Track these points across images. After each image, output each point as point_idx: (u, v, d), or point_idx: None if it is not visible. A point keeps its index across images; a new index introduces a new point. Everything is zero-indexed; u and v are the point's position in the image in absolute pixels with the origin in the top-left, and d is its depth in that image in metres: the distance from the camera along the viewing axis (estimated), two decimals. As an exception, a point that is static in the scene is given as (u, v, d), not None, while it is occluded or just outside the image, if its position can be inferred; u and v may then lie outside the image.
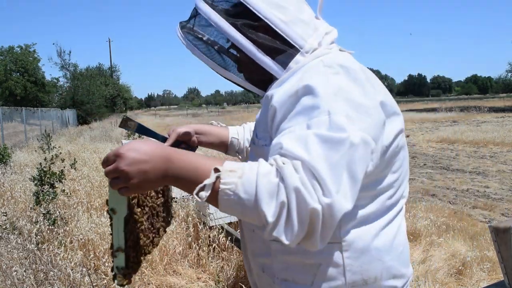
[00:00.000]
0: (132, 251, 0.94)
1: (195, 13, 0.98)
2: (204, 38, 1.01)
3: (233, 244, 3.20)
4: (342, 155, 0.72)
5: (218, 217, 3.48)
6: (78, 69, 39.07)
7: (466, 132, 15.10)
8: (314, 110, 0.76)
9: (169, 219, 1.11)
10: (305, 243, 0.74)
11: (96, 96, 36.01)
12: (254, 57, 0.91)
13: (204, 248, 3.25)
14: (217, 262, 3.13)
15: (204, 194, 0.72)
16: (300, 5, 0.95)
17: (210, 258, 3.20)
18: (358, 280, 0.88)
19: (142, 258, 1.00)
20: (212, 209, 3.45)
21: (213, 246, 3.25)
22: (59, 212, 3.74)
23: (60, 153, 7.73)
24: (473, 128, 16.95)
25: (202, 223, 3.41)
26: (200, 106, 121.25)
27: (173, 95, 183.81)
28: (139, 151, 0.73)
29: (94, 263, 3.05)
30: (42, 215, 3.60)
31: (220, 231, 3.29)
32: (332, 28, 0.98)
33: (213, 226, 3.38)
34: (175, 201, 4.34)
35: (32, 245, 2.97)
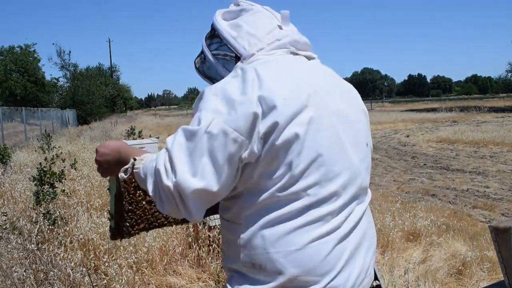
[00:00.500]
0: (121, 220, 1.25)
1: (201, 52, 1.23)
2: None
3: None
4: (197, 144, 0.88)
5: (218, 217, 3.48)
6: (78, 69, 39.10)
7: (466, 132, 15.11)
8: (196, 109, 0.97)
9: (169, 219, 1.36)
10: (181, 215, 0.93)
11: (96, 96, 36.00)
12: (217, 69, 1.13)
13: (204, 248, 3.25)
14: (217, 262, 3.13)
15: (124, 174, 1.03)
16: (257, 20, 1.10)
17: (210, 258, 3.20)
18: (248, 262, 0.95)
19: (134, 231, 1.27)
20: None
21: (213, 246, 3.25)
22: (59, 212, 3.74)
23: (61, 153, 7.73)
24: (473, 128, 16.95)
25: (202, 223, 3.41)
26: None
27: (173, 95, 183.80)
28: (107, 147, 1.07)
29: (94, 263, 3.05)
30: (42, 215, 3.60)
31: (220, 231, 3.29)
32: (291, 34, 1.10)
33: (213, 226, 3.38)
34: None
35: (32, 245, 2.97)
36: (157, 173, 0.91)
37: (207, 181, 0.88)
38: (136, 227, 1.27)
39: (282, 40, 1.07)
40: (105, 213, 3.90)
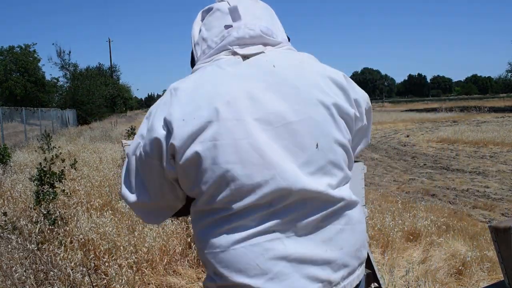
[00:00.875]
0: None
1: None
2: None
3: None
4: (130, 165, 1.00)
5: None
6: (78, 69, 39.12)
7: (466, 132, 15.12)
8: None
9: None
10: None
11: (96, 96, 36.01)
12: None
13: (204, 248, 3.25)
14: (217, 262, 3.13)
15: None
16: (213, 22, 1.06)
17: (210, 258, 3.20)
18: (201, 260, 1.02)
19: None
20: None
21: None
22: (59, 212, 3.74)
23: (61, 153, 7.73)
24: (473, 128, 16.96)
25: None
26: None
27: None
28: None
29: (94, 263, 3.05)
30: (42, 215, 3.60)
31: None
32: (230, 33, 1.02)
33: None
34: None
35: (32, 245, 2.97)
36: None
37: (141, 196, 1.00)
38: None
39: (222, 42, 1.02)
40: (105, 213, 3.90)
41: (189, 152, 0.89)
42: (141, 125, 0.99)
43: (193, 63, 1.10)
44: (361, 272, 1.02)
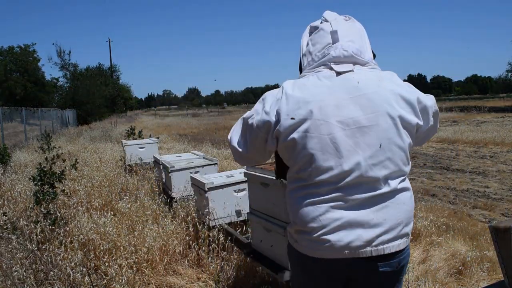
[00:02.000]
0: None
1: None
2: None
3: (233, 244, 3.20)
4: (242, 125, 1.48)
5: (218, 217, 3.48)
6: (78, 69, 39.09)
7: (466, 132, 15.11)
8: None
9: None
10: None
11: (96, 96, 35.98)
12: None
13: (204, 248, 3.25)
14: (217, 262, 3.13)
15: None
16: (317, 39, 1.44)
17: (210, 258, 3.20)
18: (288, 213, 1.44)
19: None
20: (211, 209, 3.46)
21: (213, 246, 3.25)
22: (59, 212, 3.74)
23: (62, 153, 7.73)
24: (473, 128, 16.95)
25: (202, 223, 3.41)
26: (200, 106, 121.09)
27: (173, 95, 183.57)
28: None
29: (94, 263, 3.05)
30: (42, 215, 3.60)
31: (220, 231, 3.29)
32: (333, 51, 1.39)
33: (213, 226, 3.38)
34: (175, 201, 4.35)
35: (33, 245, 2.97)
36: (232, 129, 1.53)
37: (242, 148, 1.48)
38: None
39: (325, 58, 1.40)
40: (105, 213, 3.90)
41: (289, 138, 1.33)
42: (256, 104, 1.45)
43: (300, 69, 1.51)
44: (402, 243, 1.33)
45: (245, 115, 1.45)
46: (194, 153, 5.77)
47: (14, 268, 2.67)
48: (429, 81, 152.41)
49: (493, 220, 5.24)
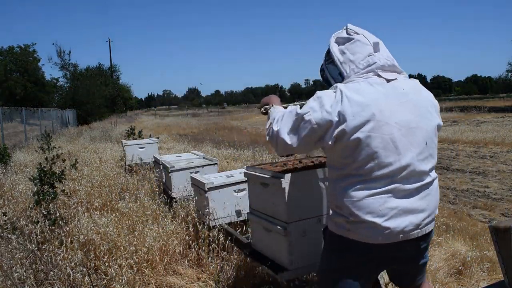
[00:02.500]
0: None
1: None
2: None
3: (233, 244, 3.20)
4: (296, 120, 1.59)
5: (218, 217, 3.48)
6: (78, 69, 39.08)
7: (466, 132, 15.11)
8: (310, 98, 1.62)
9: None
10: (273, 147, 1.69)
11: (96, 96, 35.97)
12: (330, 80, 1.71)
13: (204, 248, 3.25)
14: (217, 262, 3.13)
15: (263, 110, 1.95)
16: (356, 49, 1.63)
17: (210, 258, 3.20)
18: (335, 203, 1.61)
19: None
20: (211, 209, 3.46)
21: (213, 246, 3.25)
22: (59, 212, 3.74)
23: (61, 153, 7.73)
24: (473, 128, 16.95)
25: (202, 223, 3.41)
26: (200, 106, 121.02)
27: (173, 95, 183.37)
28: (268, 97, 2.00)
29: (94, 263, 3.05)
30: (42, 215, 3.60)
31: (220, 231, 3.29)
32: (379, 60, 1.60)
33: (213, 226, 3.38)
34: (176, 201, 4.35)
35: (33, 245, 2.97)
36: (273, 119, 1.70)
37: (292, 140, 1.60)
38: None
39: (371, 66, 1.59)
40: (105, 213, 3.90)
41: (353, 137, 1.47)
42: (311, 102, 1.57)
43: (330, 73, 1.71)
44: (433, 225, 1.63)
45: (298, 111, 1.58)
46: (194, 153, 5.77)
47: (14, 268, 2.67)
48: (429, 81, 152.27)
49: (493, 220, 5.24)
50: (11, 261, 2.77)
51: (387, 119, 1.48)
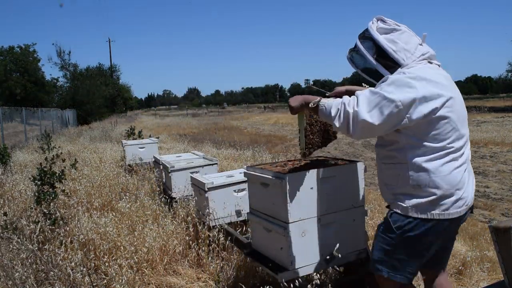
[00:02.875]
0: (305, 147, 2.32)
1: (354, 47, 1.93)
2: (356, 60, 1.97)
3: (233, 244, 3.20)
4: (376, 98, 1.67)
5: (218, 217, 3.48)
6: (78, 69, 39.07)
7: (466, 132, 15.07)
8: (379, 84, 1.75)
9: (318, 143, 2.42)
10: (345, 132, 1.75)
11: (96, 96, 35.97)
12: (380, 71, 1.83)
13: (204, 248, 3.25)
14: (217, 262, 3.14)
15: (312, 104, 1.86)
16: (407, 39, 1.81)
17: (210, 258, 3.20)
18: (415, 184, 1.74)
19: (310, 152, 2.36)
20: (211, 209, 3.46)
21: (213, 246, 3.25)
22: (59, 212, 3.74)
23: (61, 153, 7.73)
24: (473, 128, 16.94)
25: (202, 223, 3.41)
26: (200, 106, 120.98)
27: (173, 95, 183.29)
28: (296, 98, 1.98)
29: (94, 263, 3.05)
30: (42, 215, 3.60)
31: (220, 231, 3.29)
32: (428, 49, 1.83)
33: (213, 226, 3.38)
34: (176, 201, 4.35)
35: (33, 245, 2.97)
36: (343, 104, 1.72)
37: (373, 119, 1.66)
38: (310, 149, 2.35)
39: (426, 55, 1.81)
40: (106, 213, 3.90)
41: (438, 113, 1.68)
42: (385, 86, 1.69)
43: (382, 64, 1.82)
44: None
45: (377, 91, 1.68)
46: (194, 153, 5.77)
47: (15, 268, 2.67)
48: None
49: (493, 220, 5.24)
50: (12, 261, 2.77)
51: (457, 98, 1.75)
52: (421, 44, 1.81)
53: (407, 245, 1.77)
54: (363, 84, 2.21)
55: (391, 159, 1.82)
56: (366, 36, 1.85)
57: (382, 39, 1.80)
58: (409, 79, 1.66)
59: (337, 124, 1.73)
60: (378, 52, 1.81)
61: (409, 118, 1.65)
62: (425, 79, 1.67)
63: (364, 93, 1.70)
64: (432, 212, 1.71)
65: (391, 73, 1.78)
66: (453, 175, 1.70)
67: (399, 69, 1.75)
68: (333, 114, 1.74)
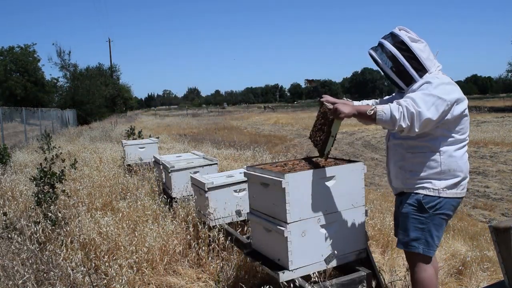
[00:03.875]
0: (327, 149, 2.32)
1: (381, 48, 2.25)
2: (382, 59, 2.27)
3: (233, 244, 3.20)
4: (431, 98, 2.02)
5: (218, 217, 3.48)
6: (78, 69, 39.05)
7: (466, 132, 15.08)
8: (426, 87, 2.08)
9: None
10: (406, 130, 2.03)
11: (96, 96, 35.95)
12: (410, 73, 2.17)
13: (204, 248, 3.26)
14: (217, 262, 3.14)
15: (369, 112, 2.04)
16: (429, 51, 2.20)
17: (210, 258, 3.21)
18: (446, 169, 2.12)
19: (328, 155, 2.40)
20: (211, 209, 3.46)
21: (213, 246, 3.25)
22: (59, 212, 3.74)
23: (61, 153, 7.73)
24: (473, 128, 16.94)
25: (202, 223, 3.41)
26: (200, 106, 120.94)
27: (173, 95, 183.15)
28: (342, 105, 2.13)
29: (94, 263, 3.05)
30: (43, 215, 3.60)
31: (220, 231, 3.29)
32: (439, 64, 2.23)
33: (213, 226, 3.38)
34: (176, 201, 4.35)
35: (33, 246, 2.97)
36: (405, 106, 1.99)
37: (432, 115, 2.01)
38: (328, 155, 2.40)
39: (440, 66, 2.22)
40: (106, 213, 3.90)
41: (465, 111, 2.12)
42: (432, 89, 2.04)
43: (412, 65, 2.16)
44: None
45: (433, 92, 2.02)
46: (194, 153, 5.77)
47: (15, 268, 2.67)
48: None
49: (493, 220, 5.24)
50: (12, 262, 2.77)
51: (466, 101, 2.17)
52: (434, 58, 2.21)
53: (438, 221, 2.14)
54: (344, 97, 2.55)
55: (422, 148, 2.13)
56: (396, 40, 2.15)
57: (414, 46, 2.13)
58: (447, 84, 2.08)
59: (404, 125, 1.99)
60: (409, 56, 2.13)
61: (451, 114, 2.06)
62: (454, 84, 2.12)
63: (417, 95, 2.03)
64: (456, 191, 2.14)
65: (419, 76, 2.14)
66: (467, 162, 2.19)
67: (427, 75, 2.13)
68: (398, 117, 1.99)
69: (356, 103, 2.42)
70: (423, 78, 2.14)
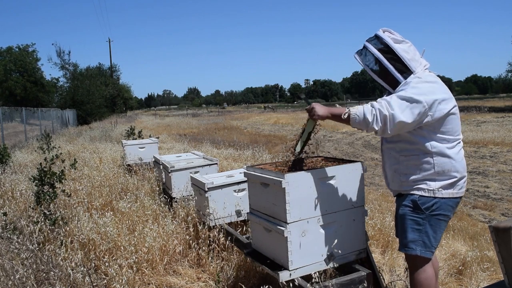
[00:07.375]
0: (303, 147, 2.44)
1: (365, 51, 2.22)
2: (367, 63, 2.25)
3: (233, 244, 3.20)
4: (407, 101, 1.99)
5: (218, 217, 3.48)
6: (78, 69, 39.04)
7: (466, 132, 15.10)
8: (405, 88, 2.05)
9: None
10: (379, 132, 2.04)
11: (96, 96, 35.94)
12: (394, 75, 2.14)
13: (204, 248, 3.26)
14: (217, 262, 3.14)
15: (345, 116, 2.09)
16: (414, 51, 2.16)
17: (210, 258, 3.20)
18: (440, 170, 2.08)
19: (302, 154, 2.51)
20: (211, 209, 3.46)
21: (213, 246, 3.25)
22: (59, 212, 3.74)
23: (61, 153, 7.73)
24: (473, 128, 16.95)
25: (202, 223, 3.41)
26: (200, 106, 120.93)
27: (173, 95, 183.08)
28: (318, 106, 2.21)
29: (94, 263, 3.05)
30: (43, 215, 3.60)
31: (220, 231, 3.29)
32: (426, 62, 2.19)
33: (213, 226, 3.38)
34: (176, 201, 4.35)
35: (33, 245, 2.97)
36: (378, 110, 2.00)
37: (407, 118, 1.98)
38: (302, 155, 2.51)
39: (426, 66, 2.17)
40: (106, 213, 3.91)
41: (451, 111, 2.07)
42: (408, 89, 2.01)
43: (395, 67, 2.12)
44: None
45: (407, 95, 1.99)
46: (194, 153, 5.77)
47: (15, 268, 2.67)
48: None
49: (493, 220, 5.24)
50: (12, 261, 2.77)
51: (454, 101, 2.12)
52: (421, 57, 2.17)
53: (434, 222, 2.11)
54: (336, 105, 2.52)
55: (414, 151, 2.11)
56: (380, 42, 2.14)
57: (397, 47, 2.10)
58: (428, 83, 2.03)
59: (376, 127, 2.00)
60: (392, 58, 2.10)
61: (432, 116, 2.00)
62: (436, 83, 2.06)
63: (393, 97, 2.01)
64: (453, 191, 2.10)
65: (404, 77, 2.10)
66: (463, 161, 2.15)
67: (412, 75, 2.08)
68: (370, 119, 2.00)
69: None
70: (407, 79, 2.11)
